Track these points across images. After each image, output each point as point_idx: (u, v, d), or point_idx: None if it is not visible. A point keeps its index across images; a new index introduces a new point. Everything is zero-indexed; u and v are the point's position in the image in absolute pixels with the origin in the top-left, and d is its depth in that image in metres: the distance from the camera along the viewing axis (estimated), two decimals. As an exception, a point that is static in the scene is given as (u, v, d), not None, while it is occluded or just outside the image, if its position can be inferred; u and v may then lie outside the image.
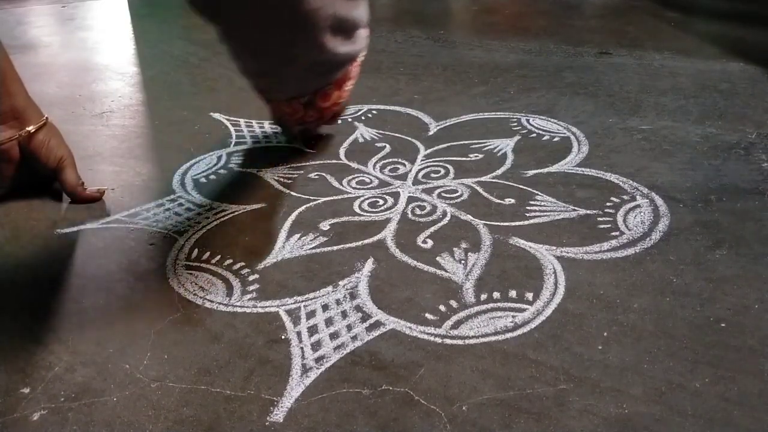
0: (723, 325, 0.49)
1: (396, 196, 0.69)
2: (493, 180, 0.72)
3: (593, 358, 0.46)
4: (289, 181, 0.74)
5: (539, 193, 0.68)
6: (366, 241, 0.61)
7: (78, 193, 0.71)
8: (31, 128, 0.70)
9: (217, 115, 0.93)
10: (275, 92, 0.69)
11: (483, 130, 0.85)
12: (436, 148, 0.80)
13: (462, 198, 0.68)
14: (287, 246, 0.61)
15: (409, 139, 0.83)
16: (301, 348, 0.49)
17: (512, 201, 0.67)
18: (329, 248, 0.61)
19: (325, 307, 0.53)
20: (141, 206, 0.70)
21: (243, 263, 0.59)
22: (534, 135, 0.82)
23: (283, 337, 0.50)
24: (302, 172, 0.76)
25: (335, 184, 0.73)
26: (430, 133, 0.85)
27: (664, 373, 0.45)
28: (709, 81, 0.98)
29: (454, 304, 0.53)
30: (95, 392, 0.45)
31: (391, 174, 0.74)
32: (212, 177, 0.75)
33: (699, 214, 0.63)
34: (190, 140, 0.85)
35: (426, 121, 0.89)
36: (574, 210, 0.65)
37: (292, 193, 0.71)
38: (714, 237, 0.59)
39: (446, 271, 0.57)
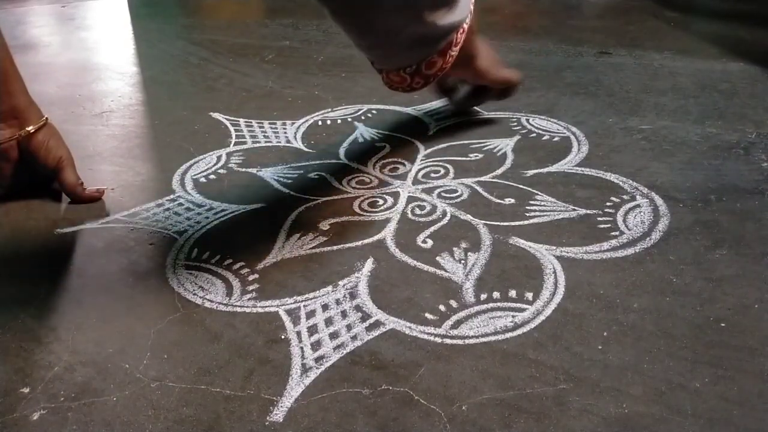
0: (723, 325, 0.49)
1: (396, 195, 0.69)
2: (493, 180, 0.72)
3: (593, 357, 0.46)
4: (289, 181, 0.74)
5: (539, 193, 0.68)
6: (366, 241, 0.61)
7: (77, 193, 0.71)
8: (31, 128, 0.70)
9: (217, 115, 0.93)
10: (383, 63, 0.70)
11: (483, 129, 0.85)
12: (435, 147, 0.80)
13: (462, 198, 0.68)
14: (287, 246, 0.61)
15: (409, 138, 0.83)
16: (301, 348, 0.49)
17: (512, 201, 0.67)
18: (329, 248, 0.61)
19: (324, 307, 0.53)
20: (141, 206, 0.70)
21: (243, 263, 0.59)
22: (534, 135, 0.82)
23: (282, 337, 0.50)
24: (302, 171, 0.76)
25: (335, 183, 0.73)
26: (430, 132, 0.85)
27: (664, 373, 0.45)
28: (709, 81, 0.98)
29: (454, 303, 0.53)
30: (95, 392, 0.45)
31: (390, 174, 0.74)
32: (212, 177, 0.75)
33: (699, 214, 0.63)
34: (190, 140, 0.85)
35: (426, 120, 0.89)
36: (574, 210, 0.65)
37: (292, 192, 0.71)
38: (714, 237, 0.59)
39: (446, 271, 0.57)
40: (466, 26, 0.68)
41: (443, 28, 0.65)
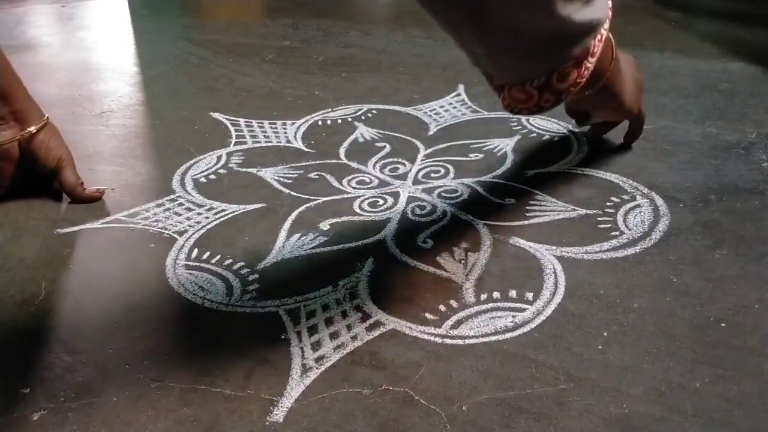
0: (723, 325, 0.49)
1: (396, 195, 0.69)
2: (493, 180, 0.72)
3: (593, 358, 0.46)
4: (289, 181, 0.74)
5: (539, 193, 0.68)
6: (366, 241, 0.61)
7: (78, 193, 0.71)
8: (32, 129, 0.70)
9: (217, 115, 0.93)
10: (505, 75, 0.57)
11: (483, 129, 0.85)
12: (436, 147, 0.80)
13: (462, 198, 0.68)
14: (287, 246, 0.61)
15: (409, 138, 0.83)
16: (301, 348, 0.49)
17: (512, 201, 0.67)
18: (329, 248, 0.61)
19: (325, 307, 0.53)
20: (141, 206, 0.70)
21: (243, 263, 0.59)
22: (534, 135, 0.82)
23: (283, 337, 0.50)
24: (302, 171, 0.76)
25: (335, 183, 0.73)
26: (430, 132, 0.85)
27: (664, 373, 0.45)
28: (709, 81, 0.97)
29: (454, 304, 0.53)
30: (95, 392, 0.45)
31: (391, 174, 0.74)
32: (212, 177, 0.75)
33: (699, 214, 0.63)
34: (190, 140, 0.85)
35: (426, 120, 0.89)
36: (574, 210, 0.65)
37: (292, 192, 0.71)
38: (714, 237, 0.59)
39: (446, 271, 0.57)
40: (604, 32, 0.55)
41: (579, 26, 0.52)
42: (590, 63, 0.56)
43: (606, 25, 0.56)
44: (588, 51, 0.55)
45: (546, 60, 0.54)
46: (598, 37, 0.55)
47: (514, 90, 0.57)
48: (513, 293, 0.53)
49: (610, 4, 0.57)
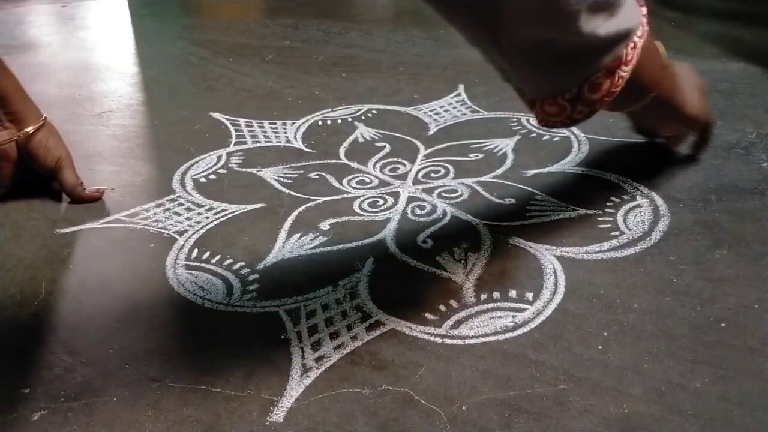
0: (723, 325, 0.49)
1: (396, 195, 0.69)
2: (493, 180, 0.72)
3: (593, 358, 0.46)
4: (289, 181, 0.74)
5: (539, 193, 0.68)
6: (366, 241, 0.61)
7: (77, 193, 0.71)
8: (30, 129, 0.70)
9: (217, 115, 0.93)
10: (535, 89, 0.55)
11: (483, 129, 0.85)
12: (436, 147, 0.80)
13: (462, 198, 0.68)
14: (287, 246, 0.61)
15: (409, 138, 0.83)
16: (301, 348, 0.49)
17: (512, 201, 0.67)
18: (329, 248, 0.61)
19: (325, 307, 0.53)
20: (141, 206, 0.70)
21: (243, 263, 0.59)
22: (534, 135, 0.82)
23: (283, 337, 0.50)
24: (302, 171, 0.76)
25: (335, 183, 0.73)
26: (430, 132, 0.85)
27: (664, 373, 0.45)
28: (709, 81, 0.97)
29: (454, 303, 0.53)
30: (95, 392, 0.45)
31: (391, 174, 0.74)
32: (212, 177, 0.75)
33: (699, 214, 0.63)
34: (190, 140, 0.85)
35: (426, 120, 0.89)
36: (574, 210, 0.65)
37: (292, 192, 0.71)
38: (714, 237, 0.59)
39: (446, 270, 0.57)
40: (638, 40, 0.53)
41: (606, 39, 0.50)
42: (624, 71, 0.53)
43: (639, 32, 0.53)
44: (620, 60, 0.52)
45: (574, 73, 0.53)
46: (630, 45, 0.52)
47: (546, 104, 0.55)
48: (513, 293, 0.53)
49: (644, 10, 0.55)
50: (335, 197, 0.70)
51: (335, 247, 0.61)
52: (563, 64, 0.51)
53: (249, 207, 0.69)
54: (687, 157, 0.72)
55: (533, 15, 0.47)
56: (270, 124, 0.89)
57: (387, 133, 0.85)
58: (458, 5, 0.49)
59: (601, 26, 0.49)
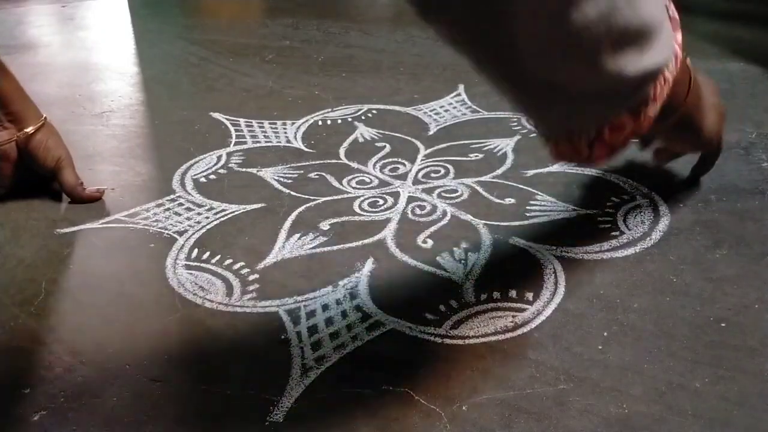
0: (723, 325, 0.49)
1: (396, 195, 0.69)
2: (493, 180, 0.72)
3: (593, 358, 0.46)
4: (289, 181, 0.74)
5: (539, 193, 0.68)
6: (366, 241, 0.61)
7: (77, 193, 0.71)
8: (29, 129, 0.70)
9: (217, 115, 0.93)
10: (548, 129, 0.49)
11: (483, 129, 0.85)
12: (436, 147, 0.80)
13: (462, 198, 0.68)
14: (287, 246, 0.61)
15: (409, 138, 0.83)
16: (301, 348, 0.49)
17: (512, 201, 0.67)
18: (329, 248, 0.61)
19: (325, 307, 0.53)
20: (141, 206, 0.70)
21: (243, 263, 0.59)
22: (534, 135, 0.82)
23: (283, 337, 0.50)
24: (302, 171, 0.76)
25: (335, 183, 0.73)
26: (430, 132, 0.85)
27: (664, 373, 0.45)
28: (709, 81, 0.97)
29: (454, 303, 0.53)
30: (95, 392, 0.45)
31: (391, 174, 0.74)
32: (212, 177, 0.75)
33: (699, 214, 0.63)
34: (190, 140, 0.85)
35: (426, 120, 0.89)
36: (574, 210, 0.65)
37: (292, 192, 0.71)
38: (714, 237, 0.59)
39: (446, 270, 0.57)
40: (669, 75, 0.45)
41: (634, 78, 0.43)
42: (651, 110, 0.46)
43: (671, 65, 0.45)
44: (647, 99, 0.45)
45: (594, 115, 0.46)
46: (661, 81, 0.45)
47: (562, 143, 0.49)
48: (513, 293, 0.53)
49: (679, 36, 0.48)
50: (335, 197, 0.70)
51: (335, 247, 0.61)
52: (582, 106, 0.45)
53: (249, 207, 0.69)
54: (686, 179, 0.69)
55: (548, 45, 0.40)
56: (270, 124, 0.89)
57: (387, 133, 0.86)
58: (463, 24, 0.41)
59: (629, 65, 0.42)
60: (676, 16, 0.48)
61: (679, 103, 0.53)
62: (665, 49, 0.44)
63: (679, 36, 0.48)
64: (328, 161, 0.78)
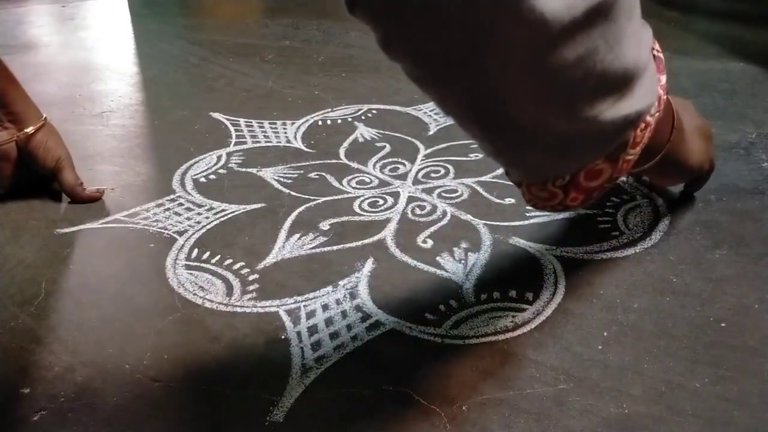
0: (723, 325, 0.49)
1: (396, 195, 0.69)
2: (493, 180, 0.72)
3: (593, 358, 0.46)
4: (289, 181, 0.74)
5: (539, 193, 0.68)
6: (366, 241, 0.61)
7: (77, 193, 0.71)
8: (30, 129, 0.70)
9: (217, 115, 0.93)
10: (521, 173, 0.47)
11: (483, 130, 0.85)
12: (436, 147, 0.80)
13: (462, 198, 0.68)
14: (287, 246, 0.61)
15: (409, 138, 0.83)
16: (301, 348, 0.49)
17: (512, 201, 0.67)
18: (329, 248, 0.61)
19: (325, 307, 0.53)
20: (141, 206, 0.70)
21: (243, 263, 0.59)
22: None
23: (283, 337, 0.50)
24: (302, 171, 0.76)
25: (335, 183, 0.73)
26: (430, 132, 0.85)
27: (664, 373, 0.45)
28: (709, 81, 0.97)
29: (454, 303, 0.53)
30: (95, 392, 0.45)
31: (391, 174, 0.74)
32: (212, 177, 0.75)
33: (699, 214, 0.63)
34: (190, 140, 0.85)
35: (426, 120, 0.89)
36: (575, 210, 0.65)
37: (292, 192, 0.71)
38: (714, 237, 0.59)
39: (446, 270, 0.57)
40: (651, 119, 0.44)
41: (611, 125, 0.41)
42: (631, 155, 0.44)
43: (653, 109, 0.44)
44: (626, 144, 0.43)
45: (569, 160, 0.44)
46: (641, 126, 0.43)
47: (534, 187, 0.46)
48: (513, 293, 0.53)
49: (663, 78, 0.47)
50: (335, 197, 0.70)
51: (335, 247, 0.61)
52: (556, 151, 0.43)
53: (249, 207, 0.69)
54: (681, 194, 0.67)
55: (522, 87, 0.38)
56: (270, 124, 0.89)
57: (387, 133, 0.86)
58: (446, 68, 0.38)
59: (607, 110, 0.40)
60: (661, 56, 0.47)
61: (663, 144, 0.51)
62: (648, 94, 0.43)
63: (663, 78, 0.46)
64: (328, 161, 0.78)
